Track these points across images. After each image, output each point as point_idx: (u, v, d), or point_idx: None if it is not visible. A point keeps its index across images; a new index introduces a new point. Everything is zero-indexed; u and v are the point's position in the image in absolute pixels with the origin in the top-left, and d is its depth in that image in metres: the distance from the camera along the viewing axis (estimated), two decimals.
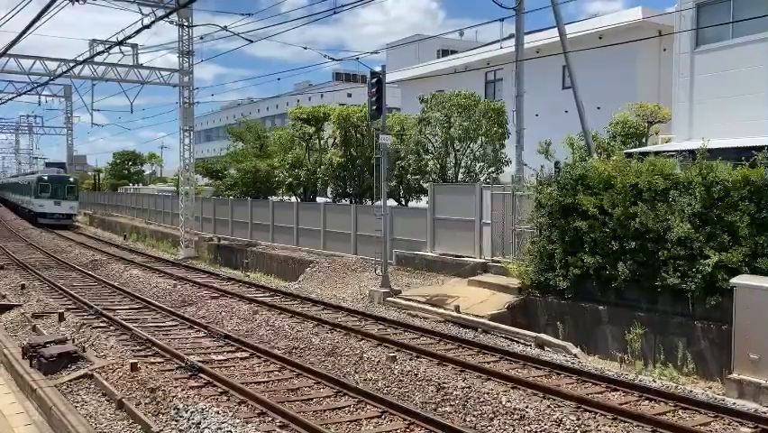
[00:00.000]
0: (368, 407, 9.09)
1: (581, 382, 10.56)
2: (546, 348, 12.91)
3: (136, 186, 64.84)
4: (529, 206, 16.86)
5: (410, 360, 11.54)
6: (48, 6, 14.84)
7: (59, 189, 44.62)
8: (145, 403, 8.90)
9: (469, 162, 24.16)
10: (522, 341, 13.42)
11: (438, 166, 24.64)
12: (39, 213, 44.15)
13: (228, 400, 9.31)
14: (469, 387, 9.88)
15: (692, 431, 8.38)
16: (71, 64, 28.97)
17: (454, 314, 15.24)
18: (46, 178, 45.45)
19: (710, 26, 19.52)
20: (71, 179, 47.03)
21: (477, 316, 15.03)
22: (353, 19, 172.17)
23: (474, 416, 8.80)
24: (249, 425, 8.24)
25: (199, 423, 8.08)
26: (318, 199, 32.15)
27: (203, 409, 8.52)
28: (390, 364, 11.12)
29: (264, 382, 10.29)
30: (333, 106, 31.85)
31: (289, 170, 31.65)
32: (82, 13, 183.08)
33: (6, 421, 8.82)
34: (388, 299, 17.50)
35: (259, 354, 11.85)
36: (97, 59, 28.24)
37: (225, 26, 23.33)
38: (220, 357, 11.75)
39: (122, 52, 29.43)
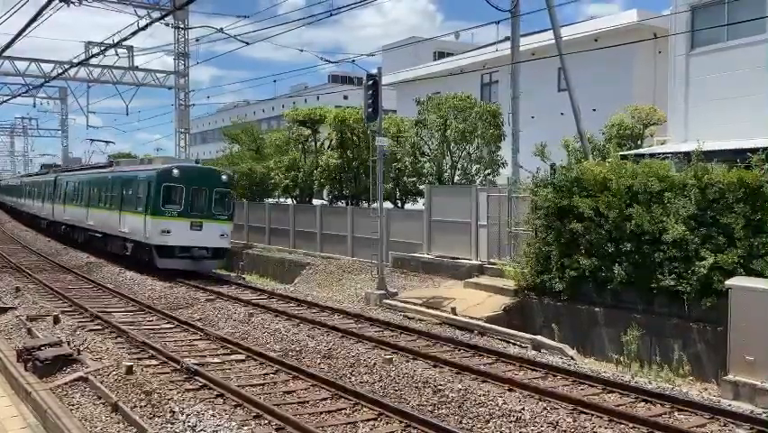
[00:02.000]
0: (364, 409, 9.08)
1: (578, 383, 10.58)
2: (542, 350, 12.92)
3: None
4: (525, 207, 16.87)
5: (407, 362, 11.54)
6: (43, 8, 14.83)
7: (201, 199, 22.21)
8: (141, 406, 8.87)
9: (465, 164, 24.18)
10: (518, 343, 13.43)
11: (434, 168, 24.64)
12: (161, 247, 21.55)
13: (224, 402, 9.28)
14: (465, 389, 9.89)
15: None
16: (66, 66, 28.95)
17: (451, 316, 15.24)
18: (176, 173, 22.02)
19: (705, 29, 19.58)
20: (223, 178, 23.05)
21: (473, 318, 15.02)
22: (351, 21, 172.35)
23: (471, 418, 8.80)
24: (245, 428, 8.23)
25: (195, 426, 8.07)
26: (314, 201, 32.14)
27: (198, 412, 8.50)
28: (387, 367, 11.12)
29: (260, 385, 10.26)
30: (330, 108, 31.84)
31: (285, 173, 31.64)
32: (79, 15, 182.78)
33: (1, 425, 8.78)
34: (385, 301, 17.48)
35: (255, 356, 11.82)
36: (93, 61, 28.23)
37: (221, 28, 23.41)
38: (216, 360, 11.72)
39: (117, 54, 29.45)
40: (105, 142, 43.59)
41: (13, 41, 19.22)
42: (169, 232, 21.36)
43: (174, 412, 8.52)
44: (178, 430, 8.01)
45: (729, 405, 9.70)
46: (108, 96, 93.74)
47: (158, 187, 21.68)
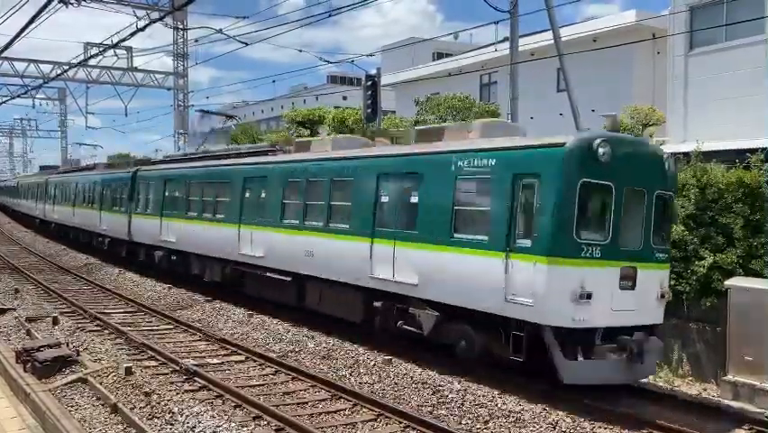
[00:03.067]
0: (363, 410, 9.08)
1: None
2: None
3: None
4: None
5: (406, 363, 11.53)
6: (42, 9, 14.83)
7: (633, 215, 9.94)
8: (140, 407, 8.87)
9: None
10: None
11: None
12: (572, 333, 9.34)
13: (223, 403, 9.28)
14: (465, 390, 9.89)
15: None
16: (65, 67, 28.96)
17: None
18: (604, 154, 9.26)
19: (704, 29, 19.60)
20: (667, 168, 10.28)
21: None
22: (351, 21, 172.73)
23: (470, 419, 8.80)
24: (244, 429, 8.22)
25: (194, 427, 8.06)
26: None
27: (198, 413, 8.50)
28: (386, 367, 11.11)
29: (259, 386, 10.26)
30: (329, 109, 31.83)
31: None
32: (78, 15, 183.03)
33: (0, 426, 8.77)
34: None
35: (254, 357, 11.82)
36: (92, 62, 28.24)
37: (221, 29, 23.42)
38: (215, 361, 11.71)
39: (116, 55, 29.45)
40: (227, 116, 30.19)
41: (11, 41, 19.22)
42: (589, 297, 9.36)
43: (173, 413, 8.51)
44: (177, 431, 8.01)
45: (729, 405, 9.71)
46: (107, 96, 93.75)
47: (570, 186, 9.45)
